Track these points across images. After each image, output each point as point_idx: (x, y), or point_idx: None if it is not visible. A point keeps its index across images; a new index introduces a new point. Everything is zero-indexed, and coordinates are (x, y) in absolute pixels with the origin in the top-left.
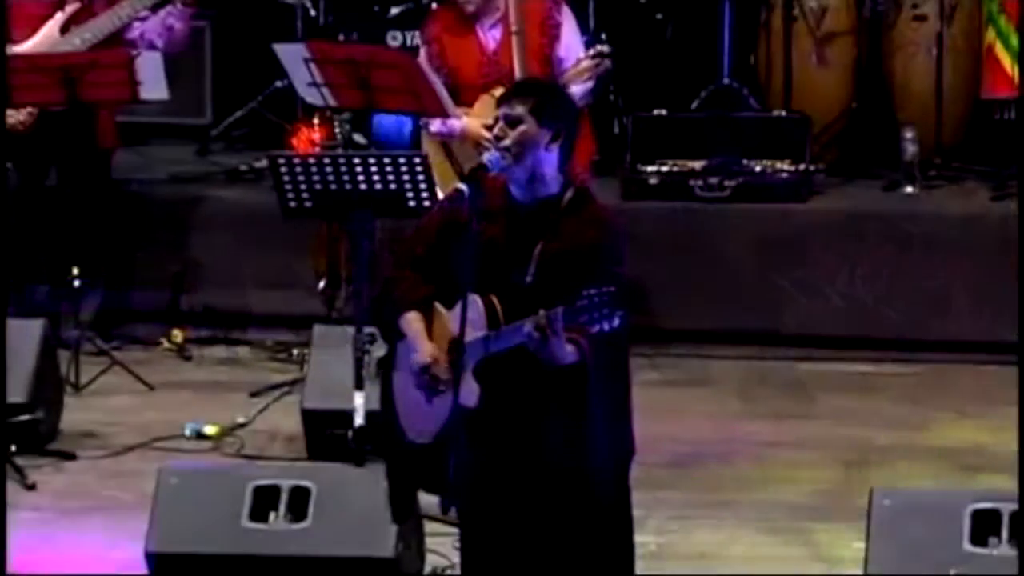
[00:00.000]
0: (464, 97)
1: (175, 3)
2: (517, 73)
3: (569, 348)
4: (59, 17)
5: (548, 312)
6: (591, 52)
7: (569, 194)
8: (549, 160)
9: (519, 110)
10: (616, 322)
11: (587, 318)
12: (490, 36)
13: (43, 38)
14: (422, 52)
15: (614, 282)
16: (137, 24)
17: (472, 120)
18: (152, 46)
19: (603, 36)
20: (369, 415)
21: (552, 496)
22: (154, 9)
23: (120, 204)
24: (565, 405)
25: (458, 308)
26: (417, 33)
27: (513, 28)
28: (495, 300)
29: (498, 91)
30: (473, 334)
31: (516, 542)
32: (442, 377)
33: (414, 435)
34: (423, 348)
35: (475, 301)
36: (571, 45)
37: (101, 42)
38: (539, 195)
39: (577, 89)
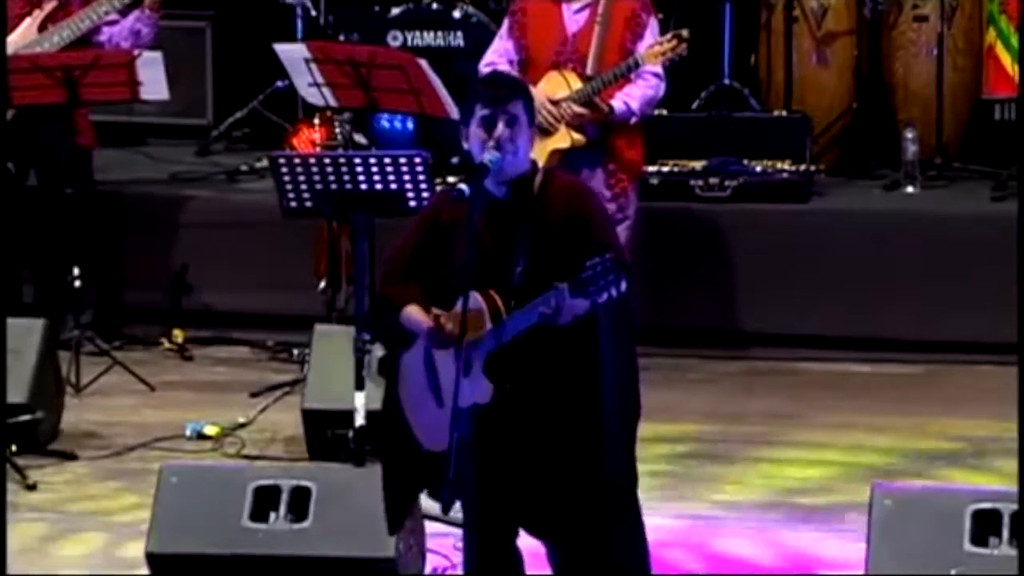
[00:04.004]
0: (532, 72)
1: (143, 8)
2: (590, 61)
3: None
4: (37, 15)
5: (553, 291)
6: (670, 34)
7: (539, 176)
8: (529, 147)
9: (516, 109)
10: (623, 286)
11: (594, 288)
12: (574, 19)
13: (20, 35)
14: (505, 21)
15: (609, 248)
16: (106, 28)
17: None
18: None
19: None
20: (369, 415)
21: (563, 458)
22: (124, 12)
23: (103, 203)
24: (577, 367)
25: (458, 306)
26: (418, 33)
27: (598, 19)
28: (494, 294)
29: (567, 71)
30: (480, 330)
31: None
32: (450, 329)
33: (432, 444)
34: (425, 317)
35: (475, 298)
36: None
37: (74, 42)
38: (513, 177)
39: (643, 89)
